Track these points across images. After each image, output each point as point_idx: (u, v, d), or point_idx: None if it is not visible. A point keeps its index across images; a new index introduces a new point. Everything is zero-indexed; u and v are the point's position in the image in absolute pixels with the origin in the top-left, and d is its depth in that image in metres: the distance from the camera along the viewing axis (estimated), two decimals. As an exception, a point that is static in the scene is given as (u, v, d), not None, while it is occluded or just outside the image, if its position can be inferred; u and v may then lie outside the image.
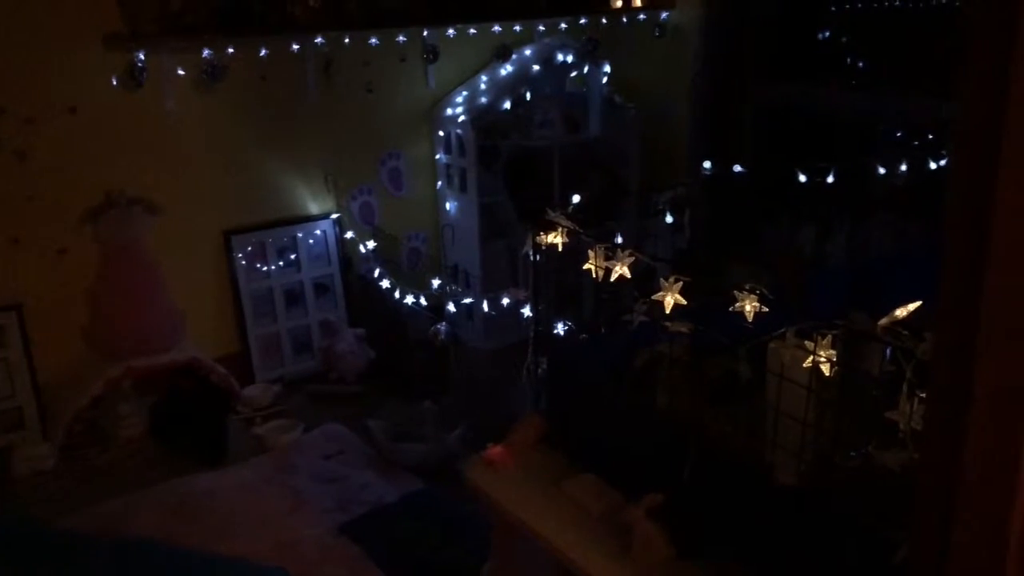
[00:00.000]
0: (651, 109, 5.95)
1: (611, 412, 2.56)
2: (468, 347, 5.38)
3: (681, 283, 2.18)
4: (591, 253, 2.45)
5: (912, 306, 1.76)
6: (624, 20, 5.94)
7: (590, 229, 2.68)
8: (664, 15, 6.04)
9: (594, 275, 2.47)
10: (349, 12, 4.85)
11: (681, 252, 4.87)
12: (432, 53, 5.32)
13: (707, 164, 3.76)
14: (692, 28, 5.93)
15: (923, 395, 1.79)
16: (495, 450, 2.69)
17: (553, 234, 2.67)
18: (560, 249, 2.63)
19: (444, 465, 4.19)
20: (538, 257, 2.71)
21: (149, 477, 4.28)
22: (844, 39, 6.70)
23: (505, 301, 3.76)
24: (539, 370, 2.76)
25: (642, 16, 5.98)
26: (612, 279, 2.37)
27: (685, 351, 2.31)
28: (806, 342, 1.94)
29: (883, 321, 1.78)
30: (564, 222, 2.62)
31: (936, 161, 3.83)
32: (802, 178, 3.73)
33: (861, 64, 6.52)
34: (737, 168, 3.73)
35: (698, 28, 5.90)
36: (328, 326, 5.31)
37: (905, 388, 1.74)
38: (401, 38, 5.19)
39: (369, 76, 5.22)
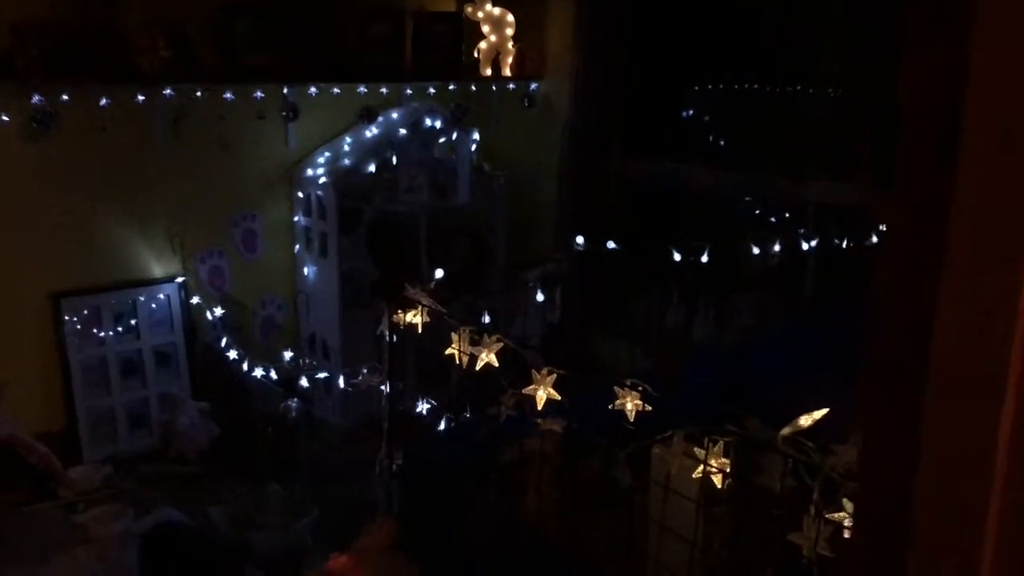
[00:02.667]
0: (520, 179, 5.74)
1: (473, 517, 2.21)
2: (323, 424, 4.91)
3: (555, 376, 1.87)
4: (455, 337, 2.12)
5: (817, 414, 1.51)
6: (493, 88, 5.74)
7: (455, 302, 2.36)
8: (533, 86, 5.87)
9: (458, 361, 2.14)
10: (202, 65, 4.44)
11: (551, 330, 4.60)
12: (292, 111, 4.95)
13: (579, 239, 3.51)
14: (561, 100, 5.80)
15: (830, 517, 1.54)
16: (340, 560, 2.29)
17: (412, 312, 2.34)
18: (420, 330, 2.29)
19: (292, 556, 3.73)
20: (395, 338, 2.36)
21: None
22: (706, 118, 6.71)
23: (361, 379, 3.37)
24: (393, 465, 2.39)
25: (512, 85, 5.79)
26: (478, 367, 2.05)
27: (557, 450, 2.00)
28: (696, 448, 1.66)
29: (785, 431, 1.51)
30: (425, 300, 2.29)
31: (807, 241, 3.72)
32: (676, 256, 3.52)
33: (722, 143, 6.53)
34: (610, 244, 3.50)
35: (566, 100, 5.77)
36: (169, 399, 4.77)
37: (812, 509, 1.47)
38: (259, 94, 4.79)
39: (223, 132, 4.79)
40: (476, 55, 5.66)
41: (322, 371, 4.59)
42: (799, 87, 6.11)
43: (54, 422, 4.51)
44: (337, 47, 5.05)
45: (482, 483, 2.23)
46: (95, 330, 4.65)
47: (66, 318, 4.51)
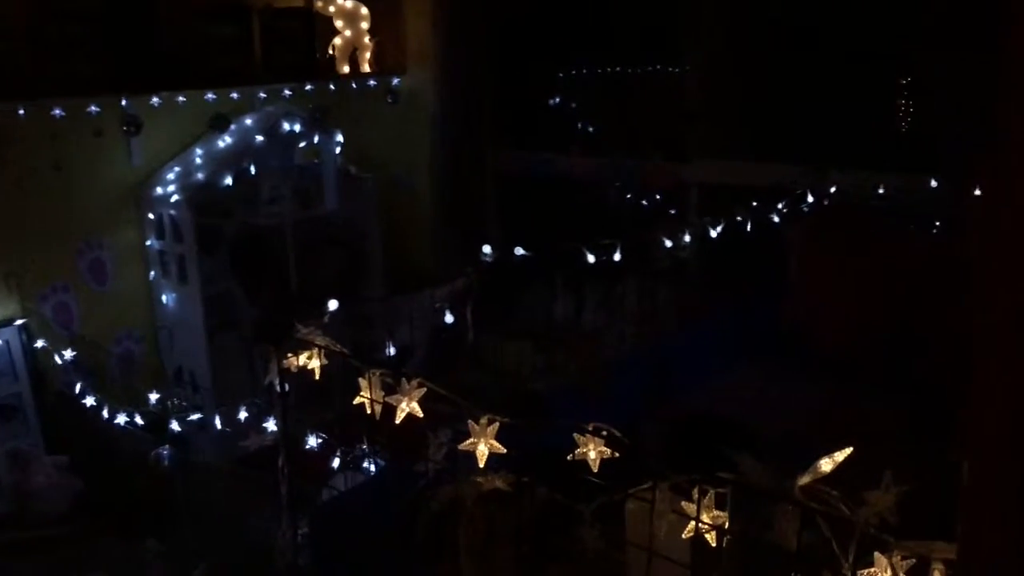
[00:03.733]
0: (391, 179, 5.35)
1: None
2: (201, 465, 4.39)
3: (496, 425, 1.53)
4: (363, 383, 1.74)
5: (840, 456, 1.23)
6: (353, 86, 5.30)
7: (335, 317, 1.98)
8: (396, 81, 5.48)
9: (369, 411, 1.76)
10: (22, 78, 3.83)
11: (439, 336, 4.25)
12: (134, 125, 4.37)
13: (487, 249, 3.18)
14: (426, 94, 5.44)
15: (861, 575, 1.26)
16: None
17: (306, 355, 1.94)
18: (317, 376, 1.90)
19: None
20: (287, 387, 1.95)
21: None
22: (573, 105, 6.50)
23: (250, 441, 2.90)
24: (298, 536, 1.99)
25: (373, 82, 5.37)
26: (398, 419, 1.68)
27: (500, 509, 1.66)
28: (683, 503, 1.35)
29: (804, 479, 1.22)
30: (320, 340, 1.89)
31: (714, 228, 3.51)
32: (591, 258, 3.23)
33: (591, 130, 6.33)
34: (519, 251, 3.18)
35: (432, 94, 5.43)
36: (18, 457, 4.14)
37: (845, 569, 1.19)
38: (94, 108, 4.21)
39: (57, 153, 4.18)
40: (331, 52, 5.21)
41: (194, 411, 4.07)
42: (667, 67, 5.97)
43: None
44: (179, 51, 4.50)
45: (406, 548, 1.86)
46: (-78, 387, 3.99)
47: None
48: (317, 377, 1.90)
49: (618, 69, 6.38)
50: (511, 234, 4.44)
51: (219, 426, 3.92)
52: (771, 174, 4.23)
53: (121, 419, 4.05)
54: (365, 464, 2.51)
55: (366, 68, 5.30)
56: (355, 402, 1.76)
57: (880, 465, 1.25)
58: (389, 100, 5.43)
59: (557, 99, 6.42)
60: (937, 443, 2.24)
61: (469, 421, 1.53)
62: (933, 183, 3.81)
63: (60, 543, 3.94)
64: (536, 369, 3.95)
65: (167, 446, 3.89)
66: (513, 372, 3.78)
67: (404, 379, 1.67)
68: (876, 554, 1.22)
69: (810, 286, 3.25)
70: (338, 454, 2.89)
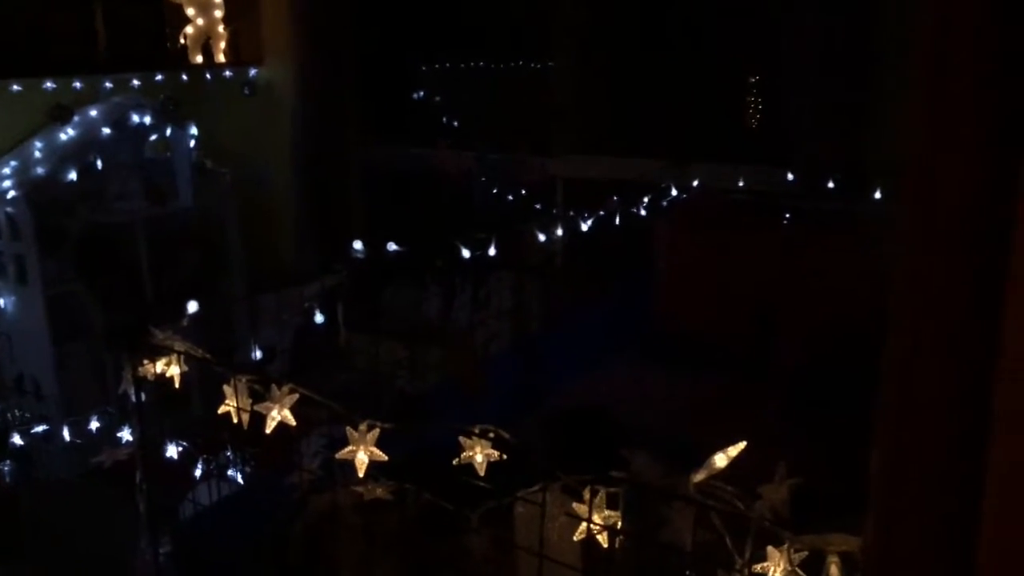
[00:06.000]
0: (249, 175, 5.10)
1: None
2: (48, 482, 4.06)
3: (377, 431, 1.43)
4: (228, 391, 1.60)
5: (733, 451, 1.20)
6: (208, 77, 5.03)
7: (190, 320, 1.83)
8: (253, 72, 5.23)
9: (236, 420, 1.63)
10: None
11: (300, 335, 4.08)
12: (-39, 114, 4.00)
13: (357, 245, 3.04)
14: (285, 86, 5.23)
15: (756, 570, 1.24)
16: None
17: (164, 361, 1.78)
18: (177, 385, 1.74)
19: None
20: (143, 396, 1.79)
21: None
22: (437, 99, 6.41)
23: (105, 456, 2.64)
24: (160, 556, 1.83)
25: (228, 73, 5.12)
26: (268, 428, 1.55)
27: (378, 517, 1.56)
28: (574, 504, 1.30)
29: (698, 476, 1.19)
30: (180, 345, 1.74)
31: (583, 222, 3.49)
32: (465, 253, 3.14)
33: (456, 124, 6.26)
34: (391, 246, 3.06)
35: (291, 86, 5.22)
36: None
37: (740, 565, 1.16)
38: (-88, 95, 3.82)
39: None
40: (183, 41, 4.93)
41: (38, 423, 3.75)
42: (533, 63, 5.96)
43: None
44: (13, 36, 4.15)
45: (279, 564, 1.74)
46: None
47: None
48: (177, 386, 1.75)
49: (483, 64, 6.33)
50: (377, 230, 4.31)
51: (68, 438, 3.62)
52: (635, 169, 4.28)
53: (-46, 435, 3.70)
54: (231, 472, 2.35)
55: (221, 58, 5.05)
56: (221, 411, 1.62)
57: (771, 459, 1.24)
58: (246, 92, 5.19)
59: (421, 93, 6.32)
60: (818, 435, 2.29)
61: (347, 428, 1.43)
62: (789, 176, 3.93)
63: None
64: (409, 369, 3.84)
65: (8, 461, 3.58)
66: (385, 373, 3.65)
67: (274, 385, 1.55)
68: (769, 548, 1.20)
69: (677, 277, 3.28)
70: (200, 463, 2.71)
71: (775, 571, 1.18)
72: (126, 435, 2.99)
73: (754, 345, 2.98)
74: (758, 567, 1.21)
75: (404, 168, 5.82)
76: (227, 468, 2.37)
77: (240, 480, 2.17)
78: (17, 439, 3.71)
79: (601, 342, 3.27)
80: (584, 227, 3.47)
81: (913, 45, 0.77)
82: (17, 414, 3.78)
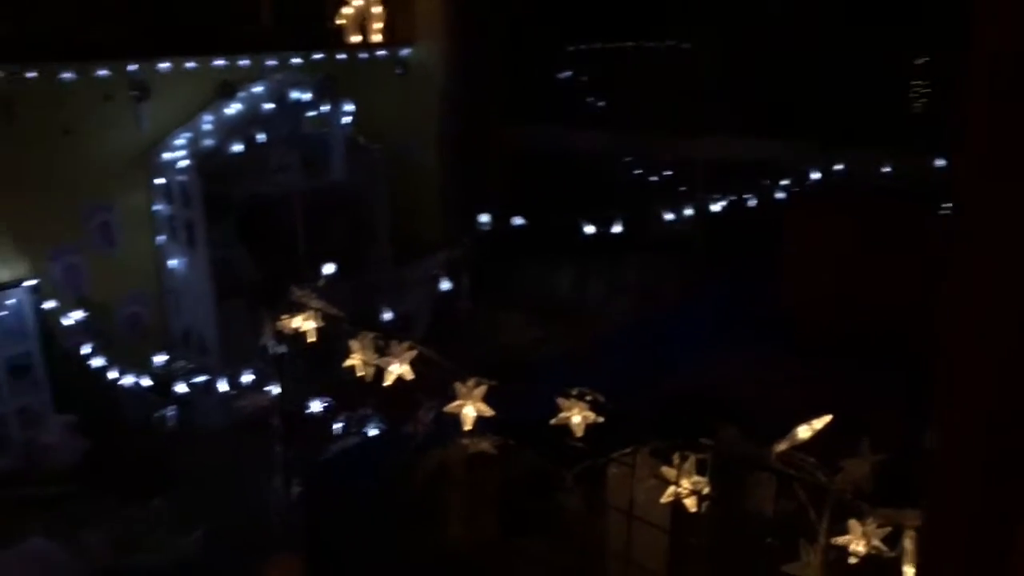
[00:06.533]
0: (398, 150, 5.32)
1: (389, 550, 1.86)
2: (206, 427, 4.42)
3: (483, 387, 1.53)
4: (355, 345, 1.75)
5: (818, 423, 1.23)
6: (363, 56, 5.28)
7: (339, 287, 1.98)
8: (405, 52, 5.44)
9: (360, 373, 1.77)
10: (33, 41, 3.83)
11: (441, 306, 4.25)
12: (141, 90, 4.37)
13: (483, 218, 3.16)
14: (435, 66, 5.41)
15: (835, 542, 1.27)
16: (238, 612, 1.90)
17: (301, 317, 1.94)
18: (312, 339, 1.91)
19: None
20: (285, 349, 1.96)
21: None
22: (584, 79, 6.45)
23: (247, 402, 2.90)
24: (292, 495, 2.01)
25: (382, 52, 5.35)
26: (388, 381, 1.68)
27: (485, 474, 1.67)
28: (663, 468, 1.36)
29: (781, 446, 1.23)
30: (315, 303, 1.90)
31: (717, 203, 3.49)
32: (580, 226, 3.22)
33: (601, 104, 6.29)
34: (516, 220, 3.17)
35: (442, 66, 5.40)
36: (28, 415, 4.19)
37: (821, 535, 1.19)
38: (103, 72, 4.20)
39: (65, 116, 4.18)
40: (341, 21, 5.19)
41: (200, 373, 4.10)
42: (677, 43, 5.91)
43: None
44: (188, 17, 4.50)
45: (397, 508, 1.88)
46: (-66, 344, 4.03)
47: None
48: (311, 340, 1.91)
49: (630, 44, 6.32)
50: (516, 207, 4.42)
51: (223, 389, 3.94)
52: (775, 151, 4.19)
53: (127, 380, 4.09)
54: (367, 429, 2.52)
55: (376, 38, 5.28)
56: (346, 364, 1.77)
57: (859, 435, 1.25)
58: (398, 71, 5.40)
59: (567, 73, 6.38)
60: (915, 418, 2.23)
61: (456, 383, 1.54)
62: (941, 163, 3.76)
63: (66, 500, 3.98)
64: (531, 341, 3.94)
65: (172, 407, 3.92)
66: (508, 344, 3.77)
67: (395, 342, 1.67)
68: (851, 521, 1.22)
69: (812, 265, 3.22)
70: (340, 418, 2.91)
71: (856, 544, 1.20)
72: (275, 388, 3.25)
73: (886, 342, 2.90)
74: (840, 539, 1.23)
75: (547, 147, 5.90)
76: (363, 422, 2.54)
77: (371, 432, 2.33)
78: (180, 387, 4.07)
79: (727, 324, 3.26)
80: (717, 208, 3.46)
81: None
82: (181, 365, 4.13)
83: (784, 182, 3.76)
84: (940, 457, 0.85)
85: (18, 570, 3.50)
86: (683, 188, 5.13)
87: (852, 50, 4.79)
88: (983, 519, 0.81)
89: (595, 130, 5.80)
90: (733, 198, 3.61)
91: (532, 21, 5.98)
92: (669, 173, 5.38)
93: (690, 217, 3.63)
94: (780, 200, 3.71)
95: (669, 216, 3.45)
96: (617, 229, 3.41)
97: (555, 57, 6.40)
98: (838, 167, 3.92)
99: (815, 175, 3.90)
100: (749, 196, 3.74)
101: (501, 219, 3.06)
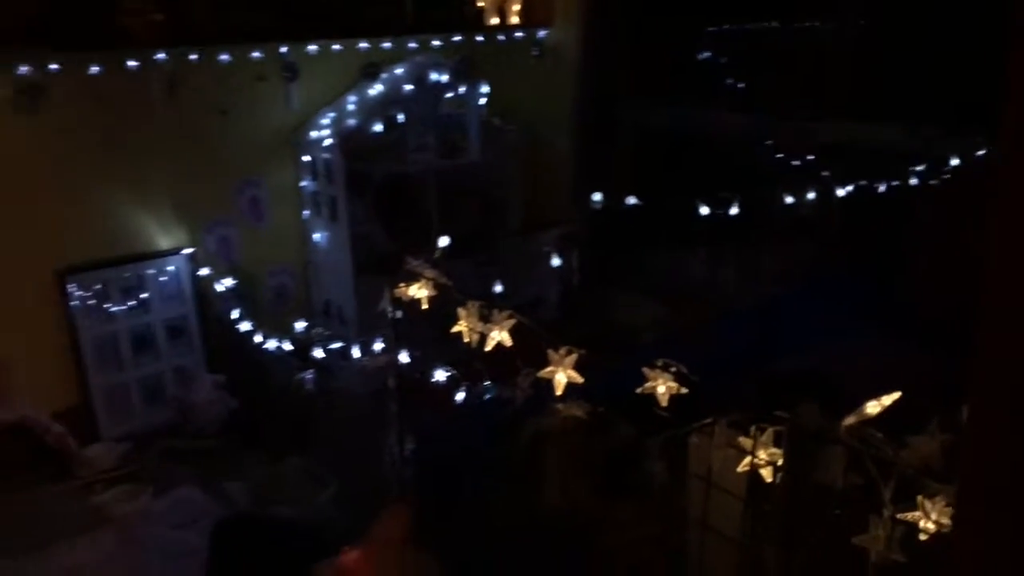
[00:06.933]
0: (532, 132, 5.42)
1: (491, 506, 1.98)
2: (341, 392, 4.69)
3: (574, 356, 1.62)
4: (462, 312, 1.86)
5: (887, 399, 1.25)
6: (501, 38, 5.40)
7: (466, 266, 2.10)
8: (542, 34, 5.53)
9: (466, 339, 1.89)
10: (194, 26, 4.14)
11: (568, 290, 4.32)
12: (292, 71, 4.65)
13: (596, 196, 3.22)
14: (571, 48, 5.48)
15: (903, 517, 1.28)
16: (351, 555, 2.06)
17: (417, 286, 2.08)
18: (426, 305, 2.04)
19: (316, 532, 3.52)
20: (400, 314, 2.11)
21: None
22: (723, 60, 6.36)
23: (370, 359, 3.10)
24: (404, 451, 2.15)
25: (519, 34, 5.46)
26: (488, 347, 1.79)
27: (578, 437, 1.75)
28: (740, 438, 1.41)
29: (849, 420, 1.26)
30: (428, 272, 2.03)
31: (843, 187, 3.42)
32: (703, 209, 3.23)
33: (741, 86, 6.18)
34: (630, 200, 3.21)
35: (577, 49, 5.46)
36: (183, 373, 4.56)
37: (886, 509, 1.22)
38: (256, 54, 4.50)
39: (222, 96, 4.50)
40: (481, 4, 5.33)
41: (337, 341, 4.35)
42: (818, 23, 5.73)
43: (67, 399, 4.31)
44: (336, 2, 4.74)
45: (499, 469, 1.99)
46: (104, 305, 4.43)
47: (74, 294, 4.29)
48: (424, 307, 2.04)
49: (773, 24, 6.18)
50: (648, 189, 4.44)
51: (356, 355, 4.16)
52: (909, 135, 4.04)
53: (271, 344, 4.38)
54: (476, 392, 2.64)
55: (513, 21, 5.39)
56: (453, 330, 1.89)
57: (931, 413, 1.25)
58: (534, 53, 5.49)
59: (707, 54, 6.30)
60: None
61: (548, 350, 1.63)
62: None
63: (214, 453, 4.32)
64: (648, 321, 3.97)
65: (311, 371, 4.18)
66: (622, 323, 3.82)
67: (495, 310, 1.78)
68: (919, 498, 1.23)
69: (941, 256, 3.12)
70: (462, 388, 3.05)
71: (925, 521, 1.22)
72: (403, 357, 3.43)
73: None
74: (907, 515, 1.25)
75: (684, 129, 5.86)
76: (475, 388, 2.66)
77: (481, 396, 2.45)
78: (319, 352, 4.33)
79: (846, 311, 3.20)
80: (844, 192, 3.38)
81: None
82: (319, 332, 4.40)
83: (917, 168, 3.63)
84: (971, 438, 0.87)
85: (172, 512, 3.84)
86: (824, 172, 5.00)
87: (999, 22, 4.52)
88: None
89: (733, 112, 5.72)
90: (861, 183, 3.52)
91: (673, 2, 5.95)
92: (810, 157, 5.25)
93: (820, 201, 3.56)
94: (913, 186, 3.58)
95: (795, 200, 3.40)
96: (747, 213, 3.39)
97: (695, 38, 6.33)
98: (980, 152, 3.75)
99: (954, 162, 3.75)
100: (888, 181, 3.63)
101: (631, 201, 3.09)
